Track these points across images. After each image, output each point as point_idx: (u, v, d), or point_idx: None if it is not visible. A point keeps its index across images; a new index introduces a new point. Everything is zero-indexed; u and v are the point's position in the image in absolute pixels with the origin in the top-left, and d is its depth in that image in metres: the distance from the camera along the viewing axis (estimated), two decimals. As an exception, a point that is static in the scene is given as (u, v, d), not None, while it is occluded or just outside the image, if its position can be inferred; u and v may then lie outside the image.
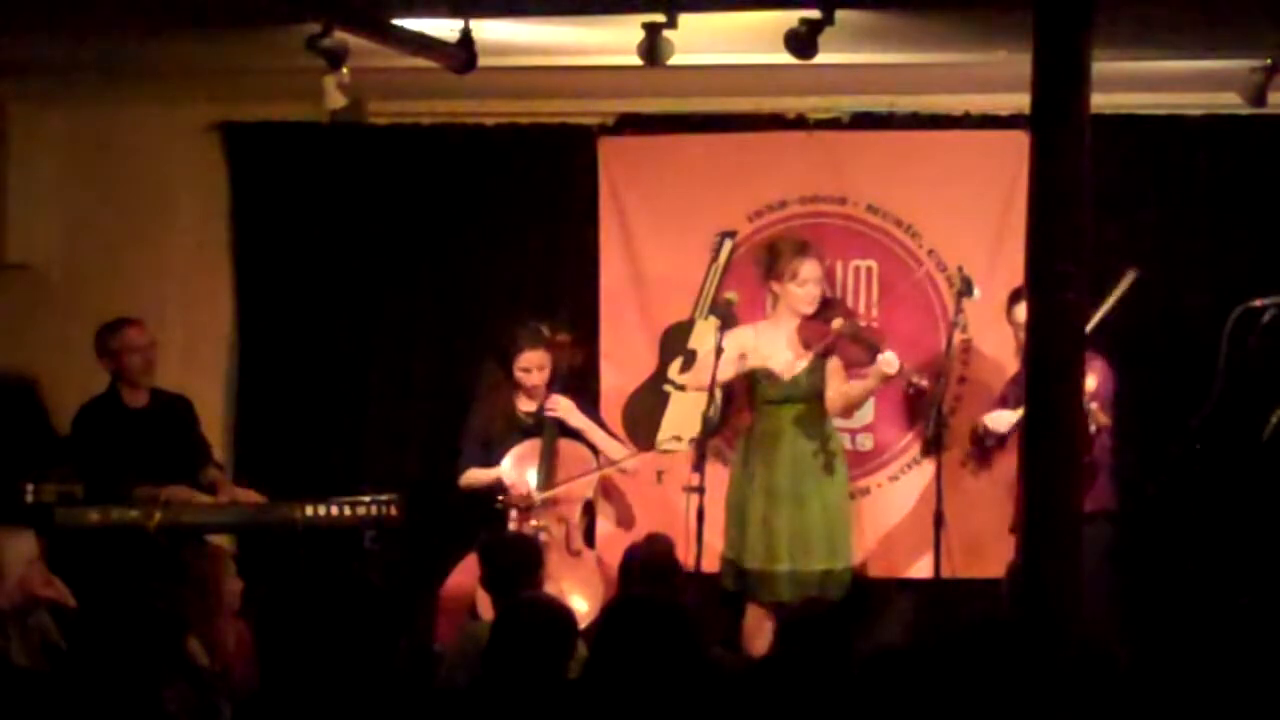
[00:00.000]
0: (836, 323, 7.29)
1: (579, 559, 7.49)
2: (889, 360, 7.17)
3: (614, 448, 7.71)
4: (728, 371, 7.35)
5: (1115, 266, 7.28)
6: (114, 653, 4.84)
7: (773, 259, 7.44)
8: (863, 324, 7.45)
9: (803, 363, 7.39)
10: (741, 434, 7.62)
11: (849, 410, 7.60)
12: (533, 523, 7.42)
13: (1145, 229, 7.95)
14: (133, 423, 7.47)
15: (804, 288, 7.37)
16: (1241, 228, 7.87)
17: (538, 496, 7.44)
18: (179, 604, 5.56)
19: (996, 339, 7.80)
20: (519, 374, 7.56)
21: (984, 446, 7.61)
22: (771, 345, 7.44)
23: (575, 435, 7.63)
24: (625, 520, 7.94)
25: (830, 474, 7.44)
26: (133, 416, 7.49)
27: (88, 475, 7.29)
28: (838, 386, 7.41)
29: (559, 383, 7.64)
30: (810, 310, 7.38)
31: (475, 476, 7.61)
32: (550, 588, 6.84)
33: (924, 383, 7.26)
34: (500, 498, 7.48)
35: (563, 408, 7.58)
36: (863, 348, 7.28)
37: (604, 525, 7.93)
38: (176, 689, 5.08)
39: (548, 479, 7.50)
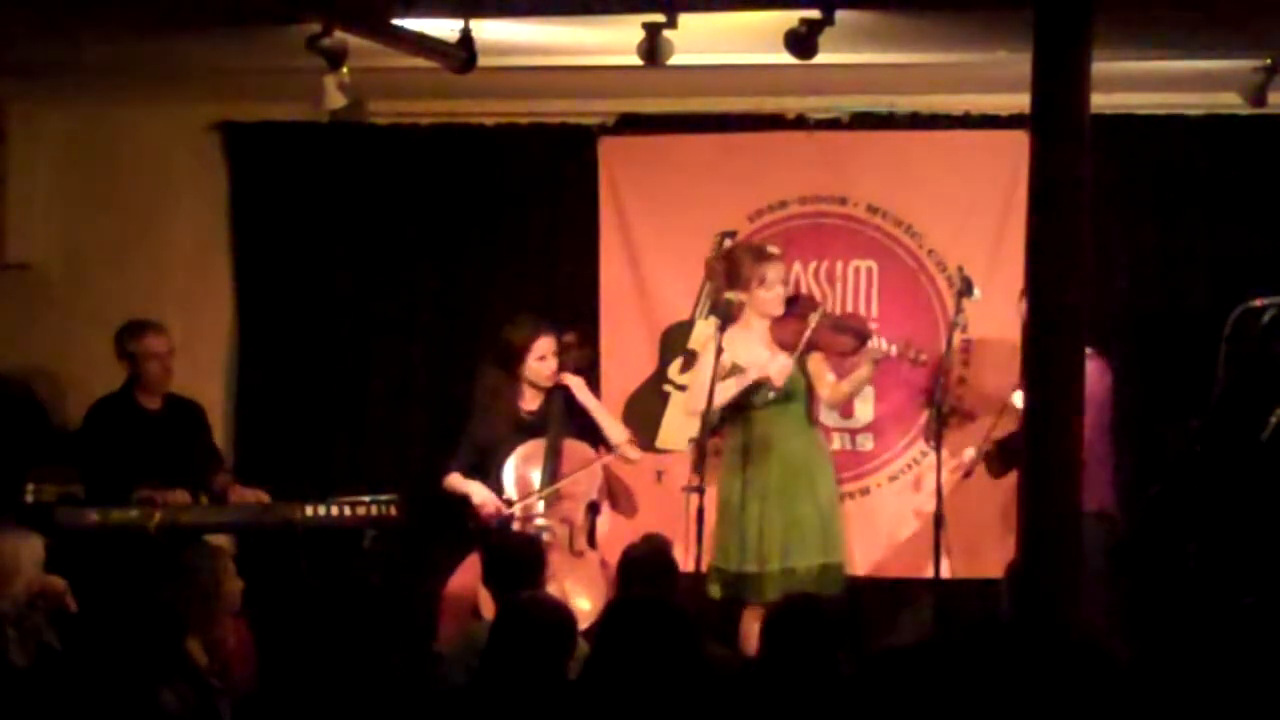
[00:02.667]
0: (812, 317, 7.28)
1: (582, 559, 7.49)
2: (876, 346, 7.16)
3: (617, 431, 7.72)
4: (729, 391, 7.33)
5: (1114, 267, 7.30)
6: (111, 652, 4.84)
7: (733, 269, 7.41)
8: (844, 312, 7.41)
9: (781, 362, 7.37)
10: (730, 438, 7.59)
11: (847, 401, 7.58)
12: (536, 522, 7.42)
13: (1145, 229, 7.95)
14: (145, 424, 7.46)
15: (771, 290, 7.35)
16: (1241, 228, 7.87)
17: (515, 510, 7.43)
18: (179, 604, 5.56)
19: (996, 339, 7.80)
20: (533, 365, 7.54)
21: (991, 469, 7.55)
22: (746, 350, 7.41)
23: (579, 431, 7.63)
24: (629, 515, 7.93)
25: (820, 471, 7.44)
26: (145, 418, 7.48)
27: (95, 473, 7.28)
28: (827, 380, 7.40)
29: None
30: (779, 312, 7.37)
31: (455, 483, 7.58)
32: (553, 588, 6.84)
33: (923, 356, 7.23)
34: (470, 521, 7.48)
35: (574, 382, 7.60)
36: (848, 335, 7.26)
37: (607, 525, 7.92)
38: (175, 689, 5.08)
39: (552, 478, 7.50)
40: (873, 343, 7.19)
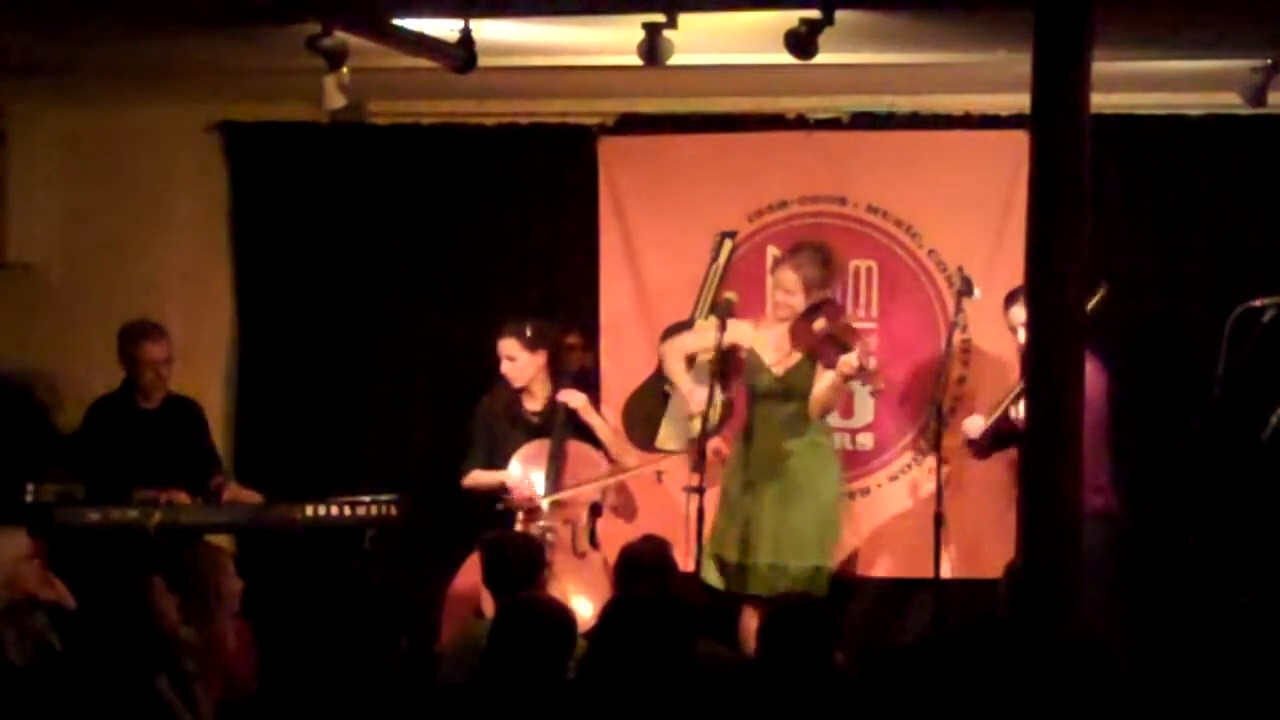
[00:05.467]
0: (818, 323, 7.30)
1: (584, 560, 7.50)
2: (846, 361, 7.16)
3: (615, 444, 7.72)
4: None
5: (1114, 267, 7.30)
6: (103, 649, 4.83)
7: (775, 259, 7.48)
8: (842, 324, 7.41)
9: (793, 360, 7.42)
10: (738, 431, 7.62)
11: (825, 411, 7.56)
12: (539, 523, 7.43)
13: (1145, 229, 7.95)
14: (143, 423, 7.46)
15: (777, 294, 7.42)
16: (1241, 228, 7.87)
17: (541, 501, 7.45)
18: (159, 598, 5.55)
19: (996, 339, 7.80)
20: (505, 368, 7.63)
21: (975, 449, 7.57)
22: (766, 341, 7.47)
23: (584, 434, 7.64)
24: (629, 517, 7.94)
25: (822, 472, 7.46)
26: (143, 417, 7.48)
27: (92, 471, 7.28)
28: (819, 387, 7.42)
29: (568, 383, 7.68)
30: (785, 315, 7.38)
31: (479, 479, 7.62)
32: (555, 589, 6.85)
33: (880, 385, 7.28)
34: (500, 503, 7.49)
35: (576, 400, 7.60)
36: (835, 349, 7.27)
37: (608, 526, 7.91)
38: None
39: (555, 481, 7.50)
40: (846, 359, 7.15)
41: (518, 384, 7.63)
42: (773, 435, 7.44)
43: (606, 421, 7.74)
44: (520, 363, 7.60)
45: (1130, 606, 7.13)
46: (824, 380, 7.35)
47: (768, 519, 7.39)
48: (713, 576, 7.48)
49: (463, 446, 7.75)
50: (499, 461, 7.61)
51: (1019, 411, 7.11)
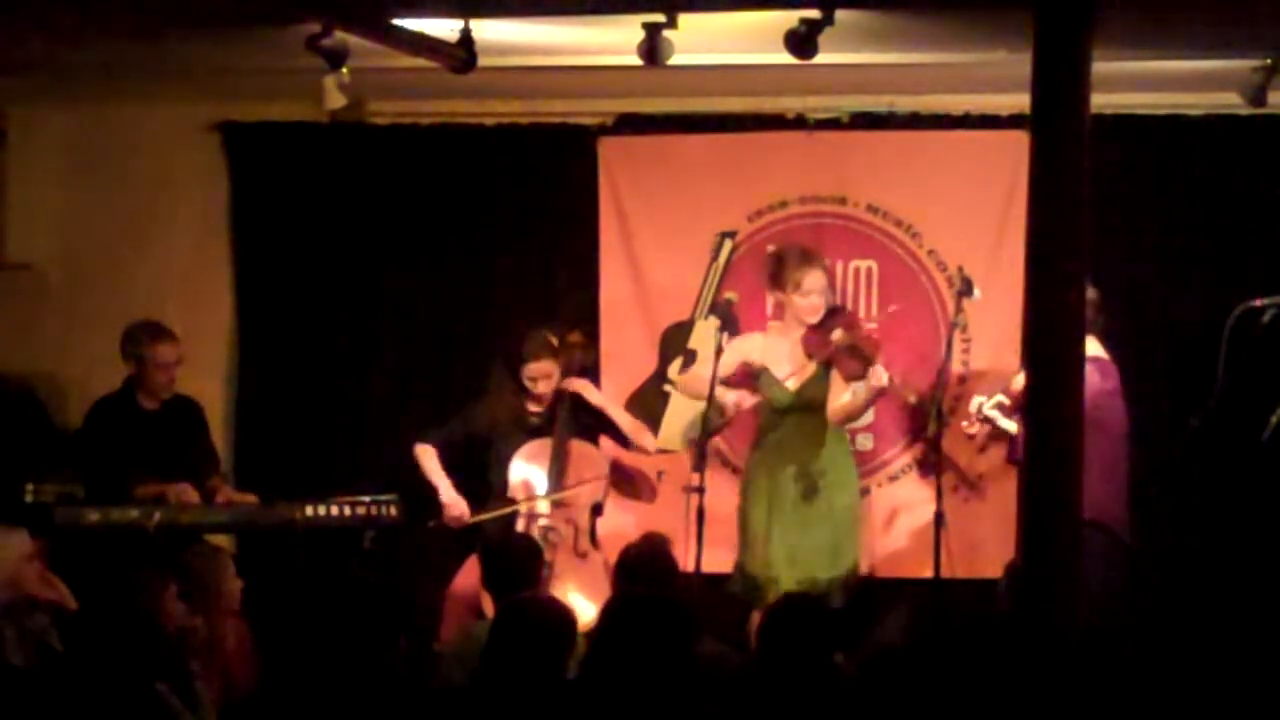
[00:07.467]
0: (836, 334, 7.26)
1: (586, 560, 7.50)
2: (877, 374, 7.13)
3: (630, 425, 7.71)
4: (728, 369, 7.34)
5: (1114, 267, 7.29)
6: (109, 649, 4.83)
7: (777, 268, 7.40)
8: (862, 335, 7.39)
9: (808, 371, 7.37)
10: (751, 441, 7.59)
11: (847, 422, 7.55)
12: (541, 524, 7.42)
13: (1145, 229, 7.95)
14: (145, 424, 7.46)
15: (807, 299, 7.32)
16: (1241, 228, 7.87)
17: (470, 519, 7.43)
18: (170, 602, 5.56)
19: (996, 339, 7.81)
20: (526, 383, 7.55)
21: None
22: (777, 353, 7.42)
23: (584, 432, 7.63)
24: (649, 500, 7.94)
25: (838, 484, 7.42)
26: (145, 418, 7.47)
27: (94, 472, 7.28)
28: (839, 398, 7.38)
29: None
30: (814, 320, 7.33)
31: (426, 463, 7.58)
32: (556, 588, 6.86)
33: (912, 398, 7.24)
34: (432, 521, 7.48)
35: (581, 384, 7.59)
36: (858, 361, 7.23)
37: (610, 525, 7.91)
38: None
39: (558, 479, 7.50)
40: (873, 372, 7.13)
41: (544, 394, 7.58)
42: (790, 449, 7.40)
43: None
44: (553, 378, 7.56)
45: (1132, 607, 7.12)
46: (845, 393, 7.31)
47: (785, 535, 7.33)
48: (735, 586, 7.47)
49: (441, 420, 7.72)
50: (496, 463, 7.59)
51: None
